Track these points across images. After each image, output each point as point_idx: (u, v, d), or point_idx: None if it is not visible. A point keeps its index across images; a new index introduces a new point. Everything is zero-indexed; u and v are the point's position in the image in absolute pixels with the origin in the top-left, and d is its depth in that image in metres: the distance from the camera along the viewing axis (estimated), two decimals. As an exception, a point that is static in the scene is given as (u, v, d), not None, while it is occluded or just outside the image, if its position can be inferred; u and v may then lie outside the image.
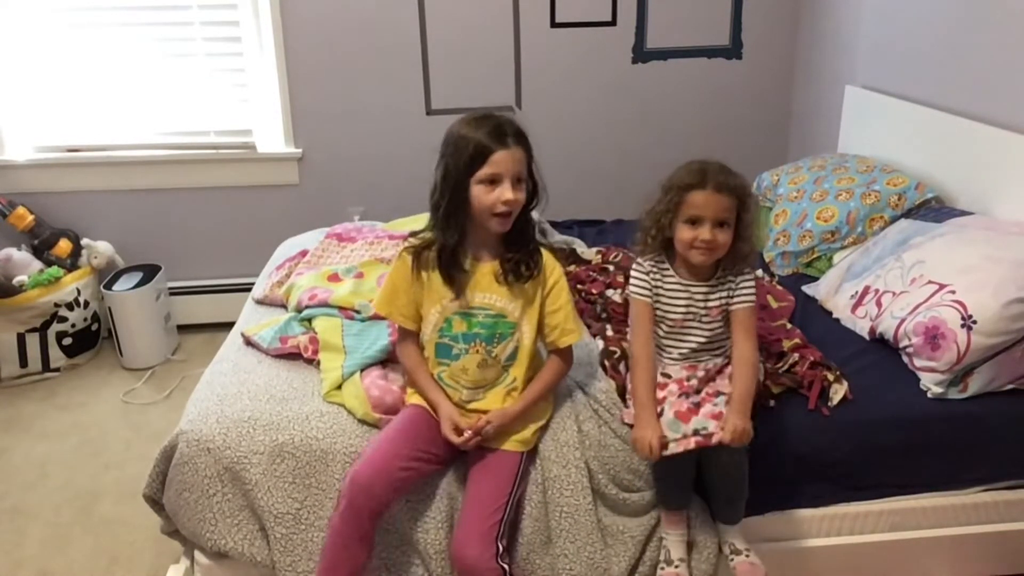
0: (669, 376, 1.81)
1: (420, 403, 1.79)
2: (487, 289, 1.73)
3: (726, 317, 1.81)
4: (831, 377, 1.92)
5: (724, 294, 1.79)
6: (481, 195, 1.64)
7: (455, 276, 1.72)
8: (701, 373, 1.80)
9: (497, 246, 1.75)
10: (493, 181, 1.63)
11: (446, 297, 1.73)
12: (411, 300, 1.75)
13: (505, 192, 1.63)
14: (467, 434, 1.67)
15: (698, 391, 1.76)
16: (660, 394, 1.76)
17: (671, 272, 1.82)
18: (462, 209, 1.67)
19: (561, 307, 1.77)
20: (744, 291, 1.79)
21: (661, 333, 1.83)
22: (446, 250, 1.70)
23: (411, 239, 1.77)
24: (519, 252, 1.74)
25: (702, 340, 1.81)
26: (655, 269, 1.83)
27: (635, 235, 1.86)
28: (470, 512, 1.67)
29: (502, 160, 1.63)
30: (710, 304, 1.79)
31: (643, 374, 1.78)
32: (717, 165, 1.74)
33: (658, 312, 1.82)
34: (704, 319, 1.80)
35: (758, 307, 2.28)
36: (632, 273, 1.85)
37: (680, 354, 1.83)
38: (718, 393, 1.74)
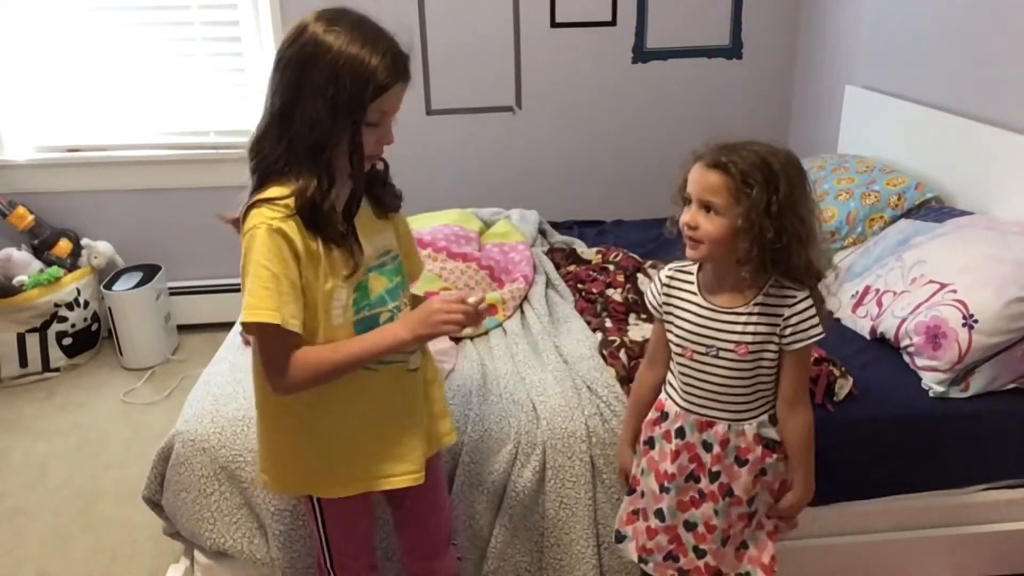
0: (652, 444, 1.56)
1: (346, 493, 1.43)
2: (379, 229, 1.42)
3: (771, 359, 1.44)
4: (837, 372, 1.92)
5: (765, 327, 1.41)
6: (365, 135, 1.30)
7: (346, 235, 1.32)
8: (705, 452, 1.50)
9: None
10: (377, 122, 1.30)
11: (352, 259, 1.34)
12: (296, 291, 1.28)
13: (388, 134, 1.33)
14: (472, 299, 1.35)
15: (689, 479, 1.53)
16: (636, 499, 1.60)
17: (691, 282, 1.48)
18: (336, 153, 1.29)
19: (408, 231, 1.56)
20: (799, 324, 1.39)
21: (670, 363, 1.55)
22: (320, 204, 1.28)
23: (271, 206, 1.28)
24: (380, 186, 1.44)
25: (718, 383, 1.46)
26: (674, 277, 1.51)
27: None
28: (433, 525, 1.61)
29: (397, 97, 1.30)
30: (738, 337, 1.42)
31: (629, 415, 1.62)
32: (741, 143, 1.43)
33: (667, 332, 1.52)
34: (724, 355, 1.44)
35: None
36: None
37: (685, 394, 1.51)
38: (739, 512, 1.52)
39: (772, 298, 1.41)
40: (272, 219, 1.26)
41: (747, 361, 1.43)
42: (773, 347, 1.43)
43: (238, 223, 1.35)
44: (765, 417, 1.48)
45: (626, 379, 1.90)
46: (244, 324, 1.27)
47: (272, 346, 1.29)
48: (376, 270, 1.39)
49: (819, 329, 1.40)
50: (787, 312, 1.40)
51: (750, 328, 1.41)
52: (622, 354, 1.97)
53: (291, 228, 1.27)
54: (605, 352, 2.00)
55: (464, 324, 1.35)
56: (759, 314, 1.41)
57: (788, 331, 1.40)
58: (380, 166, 1.44)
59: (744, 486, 1.50)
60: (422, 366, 1.50)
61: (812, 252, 1.39)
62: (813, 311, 1.40)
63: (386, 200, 1.45)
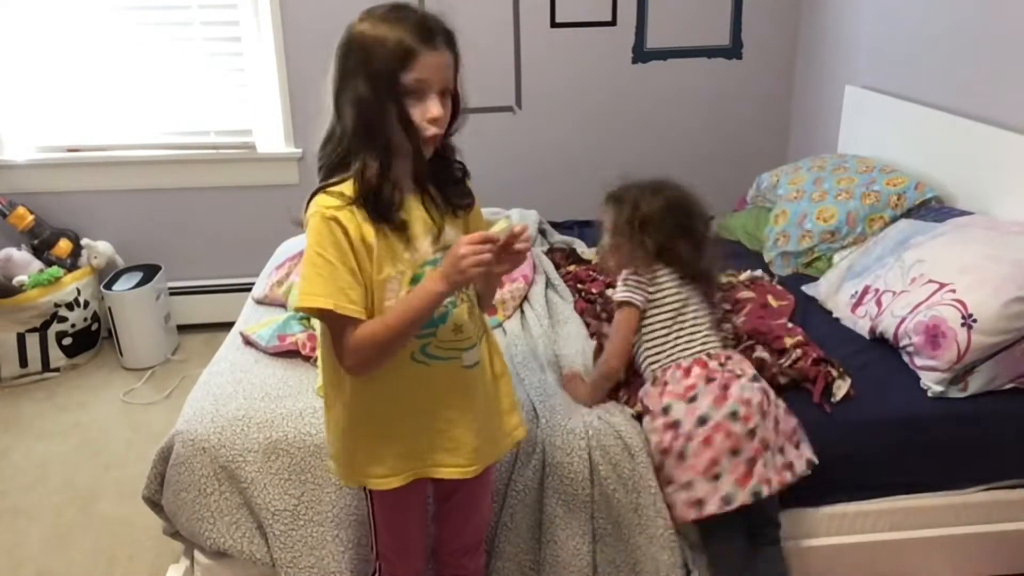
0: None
1: (394, 485, 1.44)
2: (444, 226, 1.41)
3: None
4: (835, 373, 1.92)
5: None
6: (410, 107, 1.30)
7: (398, 221, 1.33)
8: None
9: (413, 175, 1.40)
10: (416, 92, 1.29)
11: (407, 249, 1.35)
12: (356, 277, 1.31)
13: (431, 107, 1.30)
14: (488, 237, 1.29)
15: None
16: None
17: None
18: (388, 129, 1.30)
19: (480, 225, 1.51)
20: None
21: None
22: (379, 187, 1.31)
23: (327, 193, 1.32)
24: (451, 183, 1.43)
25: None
26: None
27: None
28: (472, 525, 1.63)
29: (430, 64, 1.28)
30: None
31: None
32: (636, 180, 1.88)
33: None
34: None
35: (758, 306, 2.30)
36: None
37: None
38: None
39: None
40: (327, 207, 1.29)
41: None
42: None
43: (303, 224, 1.38)
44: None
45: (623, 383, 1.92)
46: (302, 309, 1.31)
47: (335, 329, 1.32)
48: (433, 264, 1.37)
49: (620, 294, 1.82)
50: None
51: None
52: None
53: (345, 217, 1.29)
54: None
55: (493, 262, 1.29)
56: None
57: None
58: (458, 169, 1.45)
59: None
60: (487, 361, 1.49)
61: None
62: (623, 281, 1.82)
63: (456, 198, 1.44)
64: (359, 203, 1.30)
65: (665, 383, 1.77)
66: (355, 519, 1.76)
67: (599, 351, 2.03)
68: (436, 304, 1.32)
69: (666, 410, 1.74)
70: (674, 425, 1.73)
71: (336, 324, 1.31)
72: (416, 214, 1.37)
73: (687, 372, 1.76)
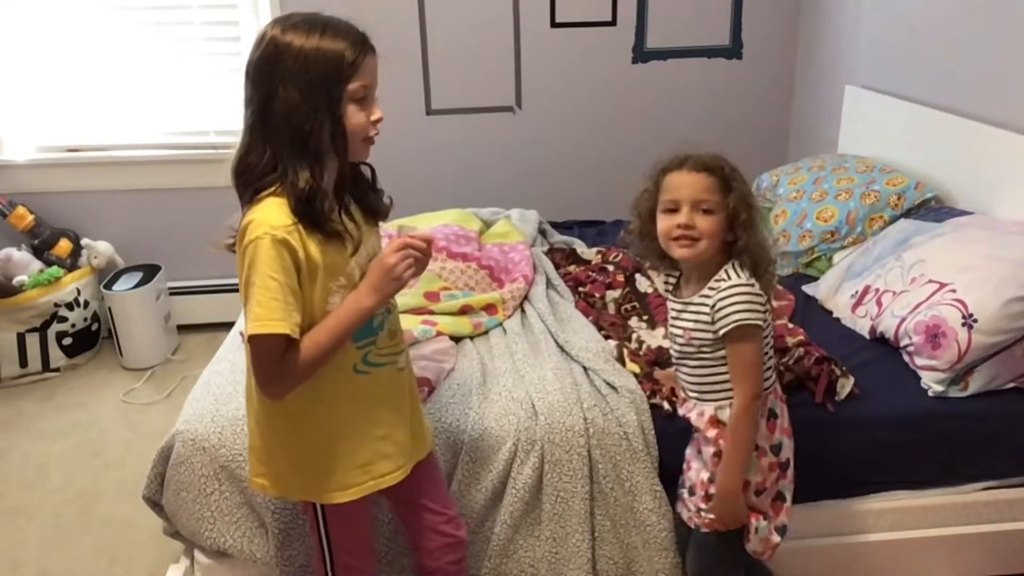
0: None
1: (348, 499, 1.43)
2: (369, 235, 1.42)
3: (710, 345, 1.50)
4: (838, 371, 1.92)
5: (701, 315, 1.49)
6: (354, 115, 1.31)
7: (334, 231, 1.31)
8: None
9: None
10: (363, 98, 1.32)
11: (350, 260, 1.36)
12: (298, 299, 1.30)
13: (376, 110, 1.35)
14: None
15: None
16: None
17: (675, 284, 1.62)
18: (322, 138, 1.28)
19: None
20: (723, 307, 1.44)
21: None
22: (314, 197, 1.28)
23: (269, 211, 1.29)
24: (370, 190, 1.46)
25: (690, 379, 1.57)
26: (667, 282, 1.64)
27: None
28: (442, 495, 1.64)
29: (371, 68, 1.32)
30: (682, 324, 1.53)
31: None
32: (707, 153, 1.51)
33: None
34: (680, 345, 1.56)
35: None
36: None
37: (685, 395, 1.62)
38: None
39: (711, 288, 1.48)
40: (276, 229, 1.26)
41: (691, 347, 1.52)
42: (708, 334, 1.49)
43: (232, 247, 1.36)
44: (727, 403, 1.52)
45: (649, 375, 1.94)
46: (258, 335, 1.26)
47: (272, 355, 1.28)
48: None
49: (745, 315, 1.43)
50: (715, 297, 1.46)
51: (691, 315, 1.51)
52: (644, 350, 2.02)
53: (295, 239, 1.27)
54: (625, 351, 2.02)
55: (423, 263, 1.38)
56: (698, 303, 1.50)
57: (716, 316, 1.46)
58: (367, 172, 1.45)
59: (707, 462, 1.56)
60: (408, 361, 1.53)
61: (764, 237, 1.51)
62: (741, 297, 1.44)
63: (377, 205, 1.46)
64: (300, 217, 1.27)
65: (775, 415, 1.55)
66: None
67: (621, 356, 2.01)
68: (365, 319, 1.34)
69: (776, 449, 1.55)
70: (783, 467, 1.57)
71: (278, 348, 1.28)
72: (349, 225, 1.35)
73: (782, 400, 1.60)
